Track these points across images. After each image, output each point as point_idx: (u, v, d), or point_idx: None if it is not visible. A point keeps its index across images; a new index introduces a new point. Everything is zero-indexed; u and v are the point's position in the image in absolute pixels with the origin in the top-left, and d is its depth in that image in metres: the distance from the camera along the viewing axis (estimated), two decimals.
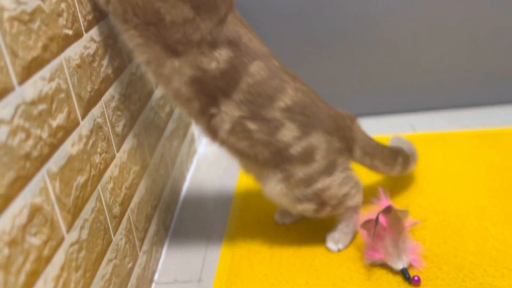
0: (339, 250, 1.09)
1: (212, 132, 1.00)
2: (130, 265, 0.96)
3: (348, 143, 1.05)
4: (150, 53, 0.91)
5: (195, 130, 1.60)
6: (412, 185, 1.27)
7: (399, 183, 1.28)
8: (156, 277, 1.10)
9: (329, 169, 1.03)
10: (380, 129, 1.58)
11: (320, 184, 1.02)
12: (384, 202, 1.09)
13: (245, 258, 1.10)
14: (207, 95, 0.95)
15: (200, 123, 1.00)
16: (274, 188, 1.03)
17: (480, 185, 1.23)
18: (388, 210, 1.02)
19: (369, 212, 1.08)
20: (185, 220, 1.27)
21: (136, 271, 0.99)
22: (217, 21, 0.91)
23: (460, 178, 1.27)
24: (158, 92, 1.25)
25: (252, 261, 1.09)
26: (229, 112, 0.96)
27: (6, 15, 0.62)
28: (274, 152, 1.00)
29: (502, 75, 1.59)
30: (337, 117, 1.04)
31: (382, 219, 1.03)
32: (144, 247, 1.05)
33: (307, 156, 1.00)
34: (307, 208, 1.04)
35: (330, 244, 1.10)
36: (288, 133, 0.99)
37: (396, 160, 1.15)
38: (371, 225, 1.03)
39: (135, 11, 0.87)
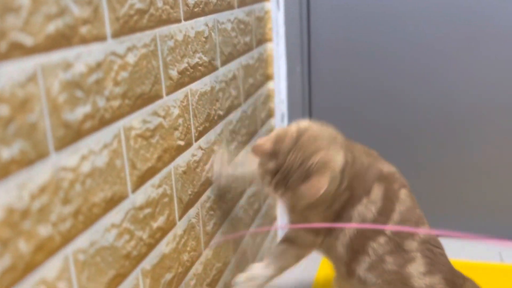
0: None
1: (348, 269, 1.04)
2: None
3: None
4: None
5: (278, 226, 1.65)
6: None
7: None
8: None
9: None
10: (463, 254, 1.53)
11: None
12: None
13: None
14: (357, 250, 1.02)
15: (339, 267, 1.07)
16: None
17: None
18: None
19: None
20: None
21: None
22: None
23: None
24: (250, 191, 1.32)
25: None
26: (375, 250, 1.01)
27: (133, 133, 0.73)
28: (396, 280, 1.01)
29: None
30: (455, 272, 1.05)
31: None
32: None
33: None
34: None
35: None
36: (416, 267, 1.00)
37: None
38: None
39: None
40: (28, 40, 0.52)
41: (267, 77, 1.52)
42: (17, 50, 0.50)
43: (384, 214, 1.00)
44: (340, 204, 0.99)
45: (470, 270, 1.47)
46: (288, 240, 1.08)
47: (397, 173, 1.05)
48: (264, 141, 0.95)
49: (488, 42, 1.47)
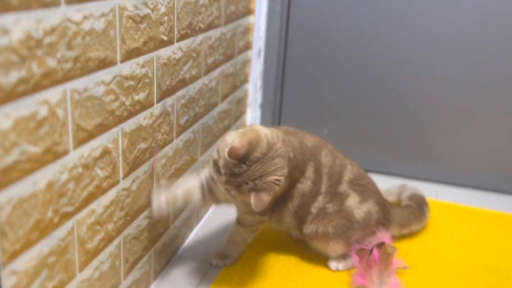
0: (337, 270, 1.26)
1: (299, 229, 1.25)
2: (161, 230, 1.18)
3: (386, 222, 1.30)
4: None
5: None
6: (419, 237, 1.41)
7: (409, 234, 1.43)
8: (179, 251, 1.31)
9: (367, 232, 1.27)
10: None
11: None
12: (382, 237, 1.25)
13: None
14: (302, 219, 1.24)
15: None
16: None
17: (478, 261, 1.36)
18: (381, 244, 1.18)
19: (367, 242, 1.25)
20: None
21: (164, 238, 1.21)
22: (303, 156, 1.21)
23: (463, 247, 1.40)
24: (222, 106, 1.50)
25: None
26: (317, 206, 1.23)
27: (125, 13, 0.89)
28: (342, 217, 1.23)
29: None
30: (382, 195, 1.33)
31: (375, 251, 1.19)
32: (176, 223, 1.27)
33: (366, 223, 1.25)
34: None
35: (332, 263, 1.26)
36: (352, 199, 1.24)
37: (424, 211, 1.43)
38: (364, 253, 1.20)
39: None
40: None
41: (249, 11, 1.67)
42: None
43: (316, 182, 1.21)
44: (281, 192, 1.17)
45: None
46: (238, 221, 1.25)
47: (318, 141, 1.26)
48: (240, 147, 0.99)
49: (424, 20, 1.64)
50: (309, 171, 1.20)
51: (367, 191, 1.28)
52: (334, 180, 1.23)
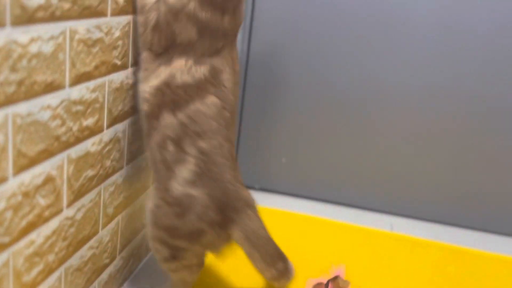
0: None
1: (147, 139, 1.08)
2: (107, 261, 1.14)
3: (227, 222, 1.06)
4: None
5: None
6: (373, 270, 1.41)
7: (362, 266, 1.43)
8: (125, 285, 1.26)
9: (192, 236, 1.06)
10: (358, 220, 1.74)
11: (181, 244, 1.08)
12: (336, 271, 1.24)
13: None
14: (159, 105, 1.04)
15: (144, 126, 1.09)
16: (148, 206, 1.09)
17: None
18: (334, 278, 1.17)
19: (322, 277, 1.24)
20: None
21: (110, 269, 1.16)
22: (213, 49, 1.06)
23: (418, 281, 1.41)
24: None
25: None
26: (164, 126, 1.04)
27: (76, 36, 0.86)
28: (162, 176, 1.06)
29: (487, 205, 1.75)
30: (232, 194, 1.05)
31: (330, 285, 1.18)
32: (123, 254, 1.22)
33: (179, 206, 1.04)
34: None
35: None
36: (184, 171, 1.04)
37: (276, 264, 1.10)
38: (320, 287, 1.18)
39: (160, 38, 1.04)
40: None
41: None
42: None
43: (186, 92, 1.04)
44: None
45: (363, 235, 1.68)
46: None
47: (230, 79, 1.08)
48: None
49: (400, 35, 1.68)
50: (201, 72, 1.05)
51: (208, 177, 1.05)
52: (191, 129, 1.04)
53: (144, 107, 1.06)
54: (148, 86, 1.05)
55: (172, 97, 1.04)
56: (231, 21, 1.06)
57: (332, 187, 1.85)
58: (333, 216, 1.76)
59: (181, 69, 1.04)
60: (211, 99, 1.05)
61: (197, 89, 1.04)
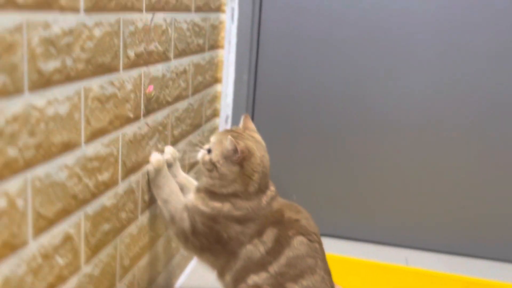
0: None
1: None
2: None
3: None
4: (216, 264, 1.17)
5: None
6: None
7: None
8: None
9: None
10: (373, 255, 1.72)
11: None
12: None
13: None
14: (242, 275, 1.13)
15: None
16: None
17: None
18: None
19: None
20: None
21: None
22: (261, 217, 1.13)
23: None
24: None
25: None
26: (257, 281, 1.12)
27: (91, 94, 0.87)
28: None
29: (498, 234, 1.73)
30: None
31: None
32: None
33: None
34: None
35: None
36: None
37: None
38: None
39: (207, 238, 1.13)
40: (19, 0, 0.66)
41: (216, 80, 1.68)
42: (10, 5, 0.64)
43: (270, 254, 1.11)
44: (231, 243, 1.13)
45: (378, 270, 1.66)
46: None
47: (302, 219, 1.16)
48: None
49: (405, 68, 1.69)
50: (268, 236, 1.13)
51: None
52: (291, 273, 1.10)
53: None
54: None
55: (259, 263, 1.12)
56: (268, 194, 1.17)
57: (345, 223, 1.83)
58: (346, 252, 1.74)
59: (255, 249, 1.12)
60: (296, 239, 1.11)
61: (278, 244, 1.11)
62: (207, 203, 1.14)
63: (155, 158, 1.16)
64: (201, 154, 1.16)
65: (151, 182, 1.17)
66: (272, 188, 1.19)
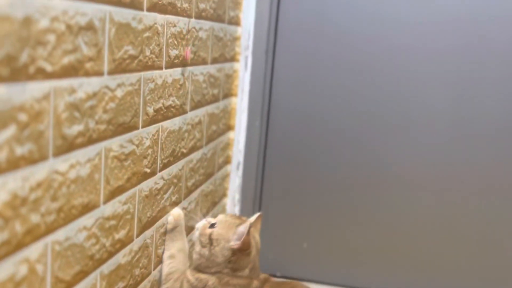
0: None
1: None
2: None
3: None
4: None
5: None
6: None
7: None
8: None
9: None
10: None
11: None
12: None
13: None
14: None
15: None
16: None
17: None
18: None
19: None
20: None
21: None
22: None
23: None
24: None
25: None
26: None
27: (111, 154, 0.87)
28: None
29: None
30: None
31: None
32: None
33: None
34: None
35: None
36: None
37: None
38: None
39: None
40: (48, 67, 0.67)
41: (229, 127, 1.69)
42: (40, 74, 0.65)
43: None
44: None
45: None
46: None
47: None
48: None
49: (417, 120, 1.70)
50: None
51: None
52: None
53: None
54: None
55: None
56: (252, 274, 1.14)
57: (355, 272, 1.81)
58: None
59: None
60: None
61: None
62: (193, 274, 1.13)
63: (177, 211, 1.19)
64: (202, 225, 1.16)
65: (167, 234, 1.17)
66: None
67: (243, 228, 1.10)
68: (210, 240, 1.11)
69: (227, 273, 1.11)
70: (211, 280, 1.10)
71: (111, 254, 0.91)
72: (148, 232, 1.08)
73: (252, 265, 1.13)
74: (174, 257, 1.17)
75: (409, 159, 1.72)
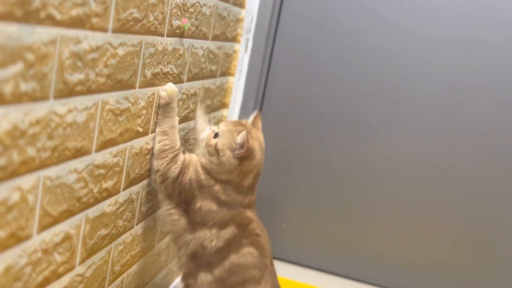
0: None
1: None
2: None
3: None
4: (177, 225, 1.20)
5: None
6: None
7: None
8: None
9: None
10: None
11: None
12: None
13: None
14: (195, 267, 1.19)
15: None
16: None
17: None
18: None
19: None
20: None
21: None
22: (234, 212, 1.19)
23: None
24: None
25: None
26: (201, 285, 1.18)
27: (107, 107, 0.94)
28: None
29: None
30: None
31: None
32: None
33: None
34: None
35: None
36: None
37: None
38: None
39: (180, 193, 1.18)
40: (58, 15, 0.73)
41: (223, 105, 1.75)
42: (49, 20, 0.72)
43: (220, 255, 1.17)
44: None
45: None
46: None
47: (262, 237, 1.21)
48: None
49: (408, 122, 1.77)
50: (226, 233, 1.17)
51: None
52: (231, 280, 1.16)
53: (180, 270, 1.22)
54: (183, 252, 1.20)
55: (207, 261, 1.17)
56: (250, 198, 1.22)
57: (331, 257, 1.88)
58: (332, 287, 1.79)
59: (210, 238, 1.16)
60: (247, 249, 1.17)
61: (229, 246, 1.16)
62: (203, 174, 1.19)
63: (171, 87, 1.17)
64: (207, 134, 1.21)
65: (159, 110, 1.16)
66: (255, 195, 1.24)
67: (241, 138, 1.15)
68: (217, 150, 1.17)
69: (232, 184, 1.18)
70: (217, 187, 1.17)
71: (97, 201, 0.98)
72: (134, 188, 1.14)
73: (257, 168, 1.20)
74: (167, 134, 1.17)
75: (398, 153, 1.79)
